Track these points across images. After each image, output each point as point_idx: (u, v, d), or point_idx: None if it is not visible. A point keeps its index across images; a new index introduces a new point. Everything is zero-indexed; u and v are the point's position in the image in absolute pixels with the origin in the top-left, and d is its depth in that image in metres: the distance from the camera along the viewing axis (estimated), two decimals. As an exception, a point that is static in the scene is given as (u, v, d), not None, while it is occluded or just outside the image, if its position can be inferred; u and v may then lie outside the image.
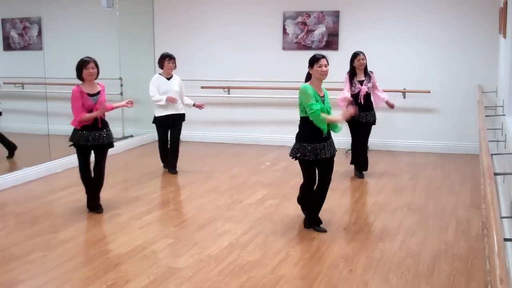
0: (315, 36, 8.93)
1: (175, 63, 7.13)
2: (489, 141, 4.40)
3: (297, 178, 6.60)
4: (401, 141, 8.77)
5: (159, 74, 7.16)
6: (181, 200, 6.38)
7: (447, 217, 5.54)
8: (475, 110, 7.32)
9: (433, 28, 8.43)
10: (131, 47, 9.24)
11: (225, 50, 9.37)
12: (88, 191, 5.75)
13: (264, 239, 4.92)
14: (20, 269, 4.29)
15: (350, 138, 7.11)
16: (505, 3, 5.86)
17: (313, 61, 4.85)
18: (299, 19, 8.97)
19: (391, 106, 7.11)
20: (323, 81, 4.94)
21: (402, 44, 8.57)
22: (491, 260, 2.05)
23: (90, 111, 5.45)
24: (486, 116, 5.64)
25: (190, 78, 9.34)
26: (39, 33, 8.67)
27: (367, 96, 6.84)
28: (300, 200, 5.33)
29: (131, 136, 9.27)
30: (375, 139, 8.57)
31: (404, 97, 8.66)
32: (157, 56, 7.45)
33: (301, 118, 4.90)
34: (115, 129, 8.99)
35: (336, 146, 5.07)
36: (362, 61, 6.78)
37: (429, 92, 8.44)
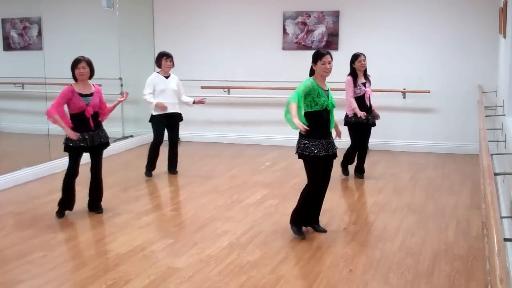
0: (315, 36, 8.93)
1: (172, 61, 7.06)
2: (489, 141, 4.40)
3: (297, 178, 6.61)
4: (401, 141, 8.77)
5: (157, 72, 7.11)
6: (181, 200, 6.37)
7: (447, 217, 5.54)
8: (475, 110, 7.32)
9: (433, 28, 8.43)
10: (131, 47, 9.24)
11: (225, 50, 9.37)
12: (66, 197, 5.53)
13: (264, 239, 4.91)
14: (20, 269, 4.29)
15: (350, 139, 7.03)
16: (505, 3, 5.86)
17: (317, 57, 4.74)
18: (299, 19, 8.97)
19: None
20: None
21: (402, 44, 8.57)
22: (491, 260, 2.05)
23: (83, 111, 5.36)
24: (486, 116, 5.64)
25: (190, 78, 9.35)
26: (39, 33, 8.67)
27: (369, 98, 6.82)
28: (297, 213, 4.95)
29: (131, 136, 9.27)
30: (375, 139, 8.56)
31: (404, 97, 8.66)
32: (157, 56, 7.43)
33: (305, 113, 4.74)
34: (115, 129, 9.04)
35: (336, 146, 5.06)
36: (363, 63, 6.71)
37: (429, 92, 8.44)
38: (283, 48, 9.11)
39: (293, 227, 4.96)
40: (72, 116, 5.42)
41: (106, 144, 5.65)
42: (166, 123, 7.10)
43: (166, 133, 7.22)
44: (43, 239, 4.94)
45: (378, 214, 5.62)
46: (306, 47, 8.89)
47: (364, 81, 6.76)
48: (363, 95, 6.71)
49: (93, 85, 5.54)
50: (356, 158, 7.07)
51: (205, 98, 7.36)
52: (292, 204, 5.65)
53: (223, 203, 6.03)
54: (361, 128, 6.81)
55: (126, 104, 9.06)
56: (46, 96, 7.72)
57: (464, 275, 4.15)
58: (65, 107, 5.42)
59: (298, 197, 5.06)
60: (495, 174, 3.61)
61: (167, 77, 7.05)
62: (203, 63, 9.45)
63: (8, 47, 8.92)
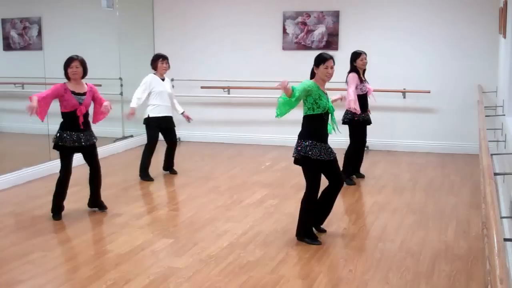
0: (315, 36, 8.93)
1: (168, 63, 7.01)
2: (489, 141, 4.40)
3: (297, 178, 6.60)
4: (401, 141, 8.77)
5: (153, 74, 6.99)
6: (181, 200, 6.37)
7: (447, 217, 5.54)
8: (475, 110, 7.32)
9: (433, 28, 8.43)
10: (131, 47, 9.24)
11: (225, 50, 9.37)
12: (59, 199, 5.51)
13: (264, 239, 4.91)
14: (20, 269, 4.29)
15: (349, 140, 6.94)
16: (505, 3, 5.86)
17: (320, 60, 4.64)
18: (299, 19, 8.97)
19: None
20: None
21: (402, 44, 8.57)
22: (491, 260, 2.05)
23: (74, 111, 5.33)
24: (486, 116, 5.64)
25: (190, 78, 9.36)
26: (39, 33, 8.67)
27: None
28: (302, 226, 4.81)
29: (131, 136, 9.27)
30: (375, 139, 8.59)
31: (404, 97, 8.66)
32: (157, 57, 7.41)
33: (307, 116, 4.68)
34: (115, 129, 9.04)
35: (336, 146, 5.05)
36: (365, 61, 6.65)
37: (429, 92, 8.44)
38: (283, 48, 9.11)
39: (307, 240, 4.79)
40: (64, 114, 5.40)
41: (94, 144, 5.59)
42: (161, 127, 7.04)
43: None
44: (43, 239, 4.94)
45: (378, 214, 5.62)
46: (306, 47, 8.90)
47: (364, 79, 6.73)
48: (366, 94, 6.69)
49: (86, 84, 5.52)
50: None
51: (192, 119, 7.32)
52: (292, 204, 5.67)
53: (223, 203, 6.03)
54: (362, 126, 6.76)
55: (126, 105, 9.07)
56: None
57: (464, 275, 4.15)
58: (58, 105, 5.39)
59: (298, 197, 5.05)
60: (495, 174, 3.61)
61: (162, 79, 7.00)
62: (203, 63, 9.45)
63: (8, 47, 8.91)
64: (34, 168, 7.13)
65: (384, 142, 8.75)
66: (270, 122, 9.27)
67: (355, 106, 6.44)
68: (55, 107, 7.70)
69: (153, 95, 6.91)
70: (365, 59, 6.66)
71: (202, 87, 9.37)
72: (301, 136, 4.69)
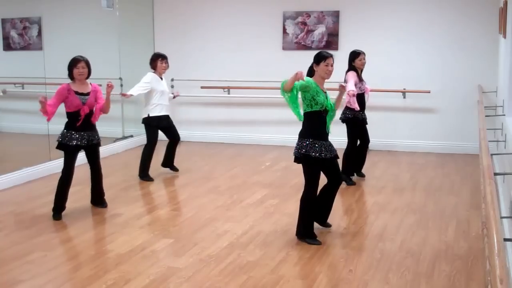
0: (315, 36, 8.93)
1: (167, 63, 7.00)
2: (489, 141, 4.40)
3: (297, 178, 6.60)
4: (401, 141, 8.77)
5: (153, 73, 6.96)
6: (181, 200, 6.37)
7: (447, 217, 5.54)
8: (475, 110, 7.32)
9: (433, 28, 8.43)
10: (131, 47, 9.24)
11: (225, 50, 9.37)
12: (61, 199, 5.50)
13: (264, 239, 4.92)
14: (20, 269, 4.29)
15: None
16: (505, 3, 5.86)
17: (320, 58, 4.71)
18: (299, 19, 8.97)
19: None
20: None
21: (402, 44, 8.57)
22: (491, 260, 2.05)
23: (78, 111, 5.38)
24: (486, 116, 5.64)
25: (190, 78, 9.35)
26: (39, 33, 8.67)
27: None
28: (302, 225, 4.82)
29: (131, 136, 9.27)
30: (375, 139, 8.57)
31: (404, 97, 8.66)
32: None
33: (305, 113, 4.72)
34: (115, 129, 9.04)
35: (336, 146, 5.05)
36: (364, 61, 6.65)
37: (429, 92, 8.44)
38: (283, 48, 9.11)
39: (308, 240, 4.80)
40: (68, 114, 5.45)
41: (98, 144, 5.64)
42: (160, 126, 7.05)
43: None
44: (43, 239, 4.94)
45: (378, 214, 5.62)
46: (306, 47, 8.89)
47: (362, 78, 6.74)
48: (363, 93, 6.69)
49: (90, 84, 5.55)
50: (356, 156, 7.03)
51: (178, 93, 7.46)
52: (292, 204, 5.67)
53: (223, 203, 6.03)
54: (358, 125, 6.74)
55: (126, 104, 9.08)
56: (46, 96, 7.70)
57: (464, 275, 4.15)
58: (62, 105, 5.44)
59: (298, 197, 5.03)
60: (495, 174, 3.61)
61: (161, 79, 7.00)
62: (203, 63, 9.45)
63: (8, 47, 8.91)
64: (34, 168, 7.13)
65: (384, 142, 8.75)
66: (270, 122, 9.28)
67: (354, 94, 6.33)
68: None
69: (155, 95, 6.89)
70: (364, 59, 6.65)
71: (202, 87, 9.37)
72: (302, 135, 4.73)
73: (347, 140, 6.82)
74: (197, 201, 6.14)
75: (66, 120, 5.48)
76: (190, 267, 4.29)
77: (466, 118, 8.35)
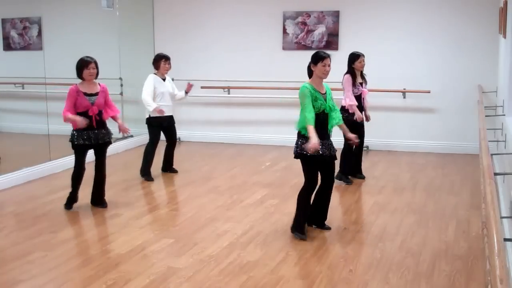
0: (315, 36, 8.93)
1: (170, 63, 7.07)
2: (489, 141, 4.40)
3: (297, 178, 6.60)
4: (401, 141, 8.77)
5: (155, 74, 7.04)
6: (181, 200, 6.37)
7: (447, 217, 5.54)
8: (475, 110, 7.32)
9: (433, 28, 8.43)
10: (131, 47, 9.24)
11: (225, 50, 9.37)
12: (73, 191, 5.80)
13: (264, 239, 4.92)
14: (20, 269, 4.29)
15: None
16: (505, 3, 5.86)
17: (318, 59, 4.79)
18: (299, 19, 8.97)
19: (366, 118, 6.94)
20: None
21: (402, 44, 8.57)
22: (491, 260, 2.05)
23: (86, 111, 5.50)
24: (486, 116, 5.64)
25: (190, 78, 9.32)
26: (39, 33, 8.67)
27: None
28: (297, 220, 4.94)
29: (131, 136, 9.27)
30: (375, 139, 8.59)
31: (404, 97, 8.66)
32: (157, 56, 7.42)
33: None
34: (115, 129, 9.03)
35: (336, 146, 5.06)
36: (363, 63, 6.67)
37: (429, 92, 8.44)
38: (283, 48, 9.11)
39: (297, 234, 4.91)
40: (77, 114, 5.55)
41: (108, 143, 5.83)
42: (162, 125, 7.09)
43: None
44: (43, 239, 4.94)
45: (378, 214, 5.62)
46: (306, 47, 8.89)
47: (361, 81, 6.75)
48: (360, 95, 6.71)
49: (99, 84, 5.67)
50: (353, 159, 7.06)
51: (191, 84, 7.35)
52: (292, 204, 5.65)
53: (223, 203, 6.03)
54: (354, 127, 6.75)
55: (126, 104, 9.09)
56: (46, 96, 7.72)
57: (464, 275, 4.15)
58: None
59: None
60: (495, 174, 3.61)
61: (163, 80, 7.03)
62: (203, 63, 9.45)
63: (8, 47, 8.91)
64: (34, 168, 7.13)
65: (384, 142, 8.75)
66: (270, 122, 9.28)
67: (359, 117, 6.60)
68: (55, 107, 7.73)
69: (156, 96, 6.94)
70: (363, 61, 6.67)
71: (202, 87, 9.37)
72: (299, 134, 4.84)
73: (343, 140, 6.83)
74: (197, 201, 6.14)
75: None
76: (190, 267, 4.29)
77: (466, 118, 8.35)
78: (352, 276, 4.14)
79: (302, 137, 4.76)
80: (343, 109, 6.69)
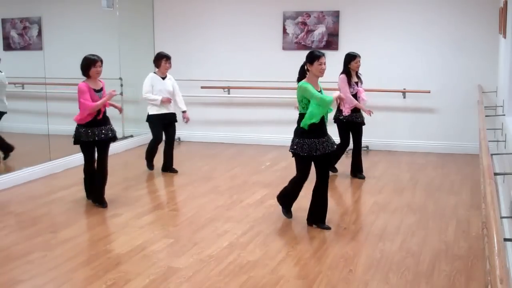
0: (315, 36, 8.93)
1: (171, 63, 7.18)
2: (489, 141, 4.41)
3: (297, 178, 6.60)
4: (401, 141, 8.77)
5: (154, 73, 7.18)
6: (181, 200, 6.37)
7: (447, 217, 5.54)
8: (475, 110, 7.32)
9: (433, 28, 8.43)
10: (131, 47, 9.24)
11: (225, 50, 9.37)
12: (89, 184, 6.00)
13: (264, 239, 4.92)
14: (20, 269, 4.29)
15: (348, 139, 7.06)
16: (505, 3, 5.86)
17: (314, 58, 4.92)
18: (299, 19, 8.97)
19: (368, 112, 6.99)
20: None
21: (402, 44, 8.57)
22: (491, 260, 2.05)
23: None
24: (486, 116, 5.64)
25: (190, 78, 9.35)
26: (39, 33, 8.66)
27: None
28: (284, 195, 5.36)
29: (131, 136, 9.27)
30: (375, 139, 8.59)
31: (404, 97, 8.66)
32: (157, 56, 7.44)
33: (301, 114, 4.98)
34: (115, 129, 9.02)
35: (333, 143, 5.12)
36: (359, 63, 6.78)
37: (429, 92, 8.44)
38: (283, 48, 9.11)
39: (283, 209, 5.41)
40: None
41: (114, 138, 5.96)
42: (163, 122, 7.20)
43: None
44: (43, 239, 4.94)
45: (378, 214, 5.62)
46: (306, 47, 8.88)
47: (356, 80, 6.82)
48: (355, 94, 6.76)
49: (100, 81, 5.84)
50: (352, 158, 7.10)
51: (189, 120, 7.41)
52: (292, 204, 5.66)
53: (223, 203, 6.03)
54: (352, 127, 6.86)
55: (126, 104, 9.07)
56: (46, 96, 7.72)
57: (464, 275, 4.15)
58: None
59: (298, 197, 5.30)
60: (495, 174, 3.61)
61: (163, 78, 7.12)
62: (203, 63, 9.45)
63: (8, 47, 8.90)
64: (34, 168, 7.13)
65: (384, 142, 8.75)
66: (270, 122, 9.28)
67: (367, 111, 6.87)
68: (55, 107, 7.73)
69: (154, 94, 7.04)
70: (359, 61, 6.78)
71: (202, 87, 9.37)
72: (295, 133, 5.05)
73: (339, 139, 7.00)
74: (197, 201, 6.14)
75: (74, 117, 5.71)
76: (190, 267, 4.29)
77: (466, 118, 8.35)
78: (352, 276, 4.14)
79: (299, 135, 4.97)
80: (339, 110, 6.78)
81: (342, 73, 6.75)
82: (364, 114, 6.98)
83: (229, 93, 9.42)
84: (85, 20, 9.18)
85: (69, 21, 9.14)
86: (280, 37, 9.11)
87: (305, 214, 5.41)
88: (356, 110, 6.82)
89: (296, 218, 5.41)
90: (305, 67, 5.01)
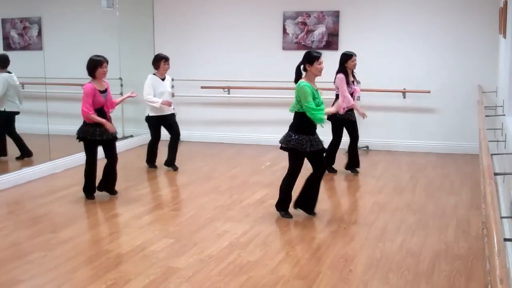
0: (315, 36, 8.93)
1: (169, 64, 7.27)
2: (489, 141, 4.40)
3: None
4: (401, 141, 8.77)
5: (154, 74, 7.22)
6: (181, 200, 6.37)
7: (447, 217, 5.54)
8: (475, 110, 7.32)
9: (433, 28, 8.43)
10: (131, 48, 9.23)
11: (225, 50, 9.37)
12: (89, 184, 6.02)
13: (264, 239, 4.92)
14: (20, 269, 4.29)
15: (345, 138, 7.16)
16: (505, 3, 5.86)
17: (314, 58, 5.10)
18: (299, 19, 8.97)
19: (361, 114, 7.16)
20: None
21: (402, 44, 8.56)
22: (491, 260, 2.05)
23: (102, 107, 5.78)
24: (486, 116, 5.64)
25: (190, 78, 9.35)
26: (39, 33, 8.66)
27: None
28: (281, 203, 5.46)
29: (131, 136, 9.27)
30: (375, 139, 8.60)
31: (404, 97, 8.65)
32: (157, 57, 7.46)
33: (298, 112, 5.17)
34: (118, 129, 9.03)
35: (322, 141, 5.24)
36: (355, 62, 6.85)
37: (429, 92, 8.43)
38: (283, 48, 9.10)
39: (281, 212, 5.44)
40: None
41: (114, 139, 6.03)
42: (162, 124, 7.33)
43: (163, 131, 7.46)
44: (43, 239, 4.94)
45: (378, 214, 5.62)
46: (306, 47, 8.87)
47: (352, 79, 6.87)
48: (352, 93, 6.80)
49: (104, 81, 5.92)
50: (348, 154, 7.25)
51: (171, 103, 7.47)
52: (292, 204, 5.66)
53: (223, 203, 6.03)
54: (345, 124, 6.95)
55: (126, 105, 9.07)
56: (46, 96, 7.71)
57: (464, 275, 4.15)
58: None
59: (297, 198, 5.37)
60: (495, 174, 3.61)
61: (162, 79, 7.17)
62: (203, 63, 9.45)
63: (8, 47, 8.90)
64: (34, 168, 7.13)
65: (384, 142, 8.75)
66: (270, 122, 9.28)
67: (362, 113, 7.06)
68: (55, 107, 7.73)
69: (155, 96, 7.12)
70: (355, 60, 6.85)
71: (202, 87, 9.37)
72: (291, 129, 5.26)
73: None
74: (197, 201, 6.14)
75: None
76: (190, 267, 4.29)
77: (466, 118, 8.35)
78: (352, 276, 4.14)
79: (294, 130, 5.17)
80: None
81: (339, 72, 6.78)
82: (357, 114, 7.05)
83: (229, 93, 9.42)
84: (85, 20, 9.18)
85: (69, 21, 9.14)
86: (280, 37, 9.11)
87: (304, 214, 5.43)
88: (350, 109, 6.87)
89: (295, 218, 5.41)
90: (302, 67, 5.17)
